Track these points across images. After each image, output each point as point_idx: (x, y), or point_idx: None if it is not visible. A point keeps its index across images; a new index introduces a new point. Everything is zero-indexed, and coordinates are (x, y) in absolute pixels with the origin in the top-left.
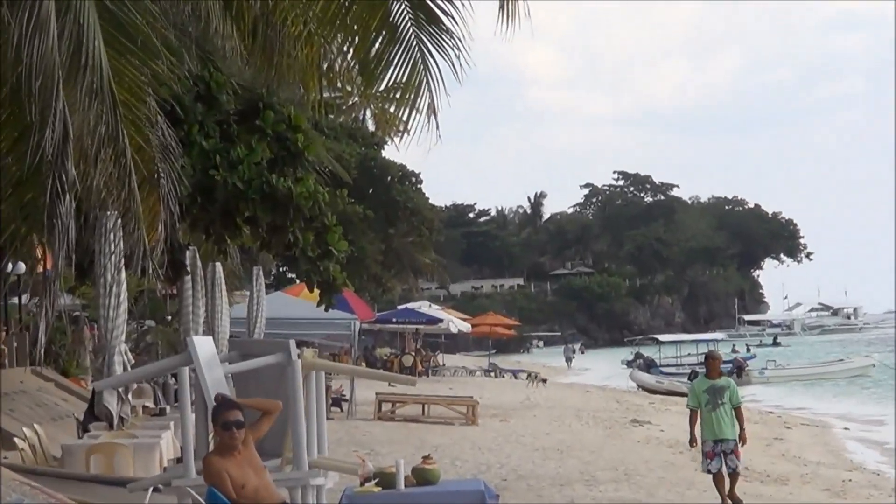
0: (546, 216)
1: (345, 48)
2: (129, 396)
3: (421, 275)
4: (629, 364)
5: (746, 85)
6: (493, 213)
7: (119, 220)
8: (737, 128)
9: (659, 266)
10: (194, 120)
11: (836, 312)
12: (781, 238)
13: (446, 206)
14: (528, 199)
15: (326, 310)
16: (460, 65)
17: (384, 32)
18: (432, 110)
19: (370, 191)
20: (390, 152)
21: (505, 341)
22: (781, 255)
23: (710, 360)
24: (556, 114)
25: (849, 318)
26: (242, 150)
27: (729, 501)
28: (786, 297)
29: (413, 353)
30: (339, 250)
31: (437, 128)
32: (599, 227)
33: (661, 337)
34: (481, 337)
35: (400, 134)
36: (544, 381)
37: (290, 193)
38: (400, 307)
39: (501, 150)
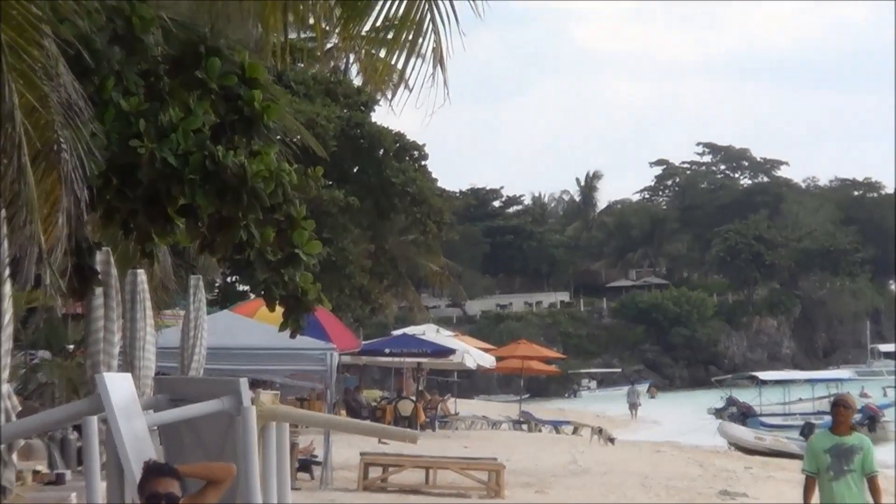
0: (602, 205)
1: None
2: (14, 457)
3: (426, 287)
4: (718, 413)
5: (885, 22)
6: (528, 200)
7: (2, 211)
8: (871, 82)
9: (760, 276)
10: (109, 70)
11: None
12: None
13: (462, 192)
14: (577, 181)
15: (293, 336)
16: None
17: None
18: (439, 57)
19: (355, 170)
20: (382, 116)
21: (543, 381)
22: None
23: (840, 408)
24: (617, 62)
25: None
26: (176, 112)
27: None
28: None
29: (414, 398)
30: (310, 253)
31: (446, 83)
32: (677, 220)
33: (763, 375)
34: (510, 375)
35: (396, 90)
36: (612, 440)
37: (243, 173)
38: (396, 333)
39: (539, 114)
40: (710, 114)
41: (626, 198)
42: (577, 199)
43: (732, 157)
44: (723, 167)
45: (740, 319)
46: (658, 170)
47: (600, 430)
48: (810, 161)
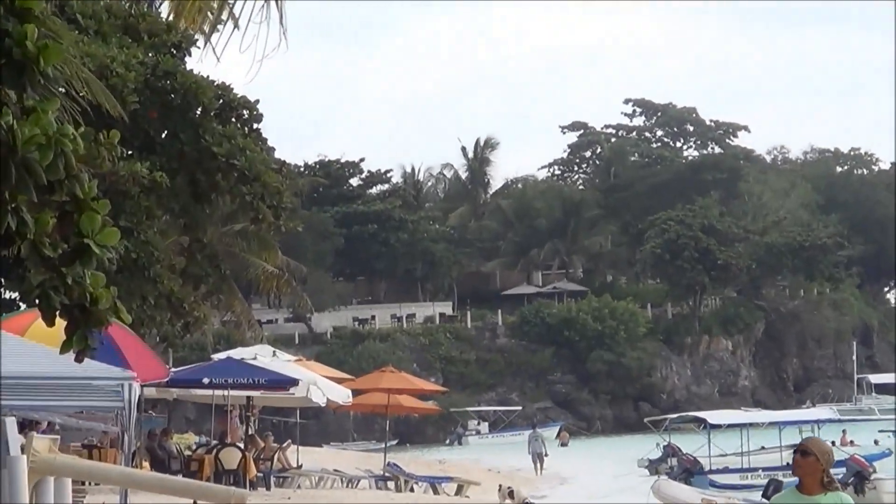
0: (497, 185)
1: None
2: None
3: (258, 295)
4: (652, 466)
5: None
6: (397, 178)
7: None
8: (862, 15)
9: (710, 281)
10: None
11: None
12: None
13: (308, 166)
14: (464, 151)
15: (79, 360)
16: None
17: None
18: None
19: (163, 135)
20: (201, 62)
21: (417, 423)
22: None
23: (796, 456)
24: None
25: None
26: None
27: None
28: None
29: (241, 445)
30: (104, 244)
31: (283, 18)
32: (598, 205)
33: (713, 416)
34: (372, 415)
35: (217, 27)
36: None
37: (12, 139)
38: (218, 357)
39: (412, 62)
40: (642, 60)
41: (529, 174)
42: (464, 175)
43: (673, 119)
44: (660, 133)
45: (683, 340)
46: (573, 136)
47: (510, 492)
48: (778, 125)
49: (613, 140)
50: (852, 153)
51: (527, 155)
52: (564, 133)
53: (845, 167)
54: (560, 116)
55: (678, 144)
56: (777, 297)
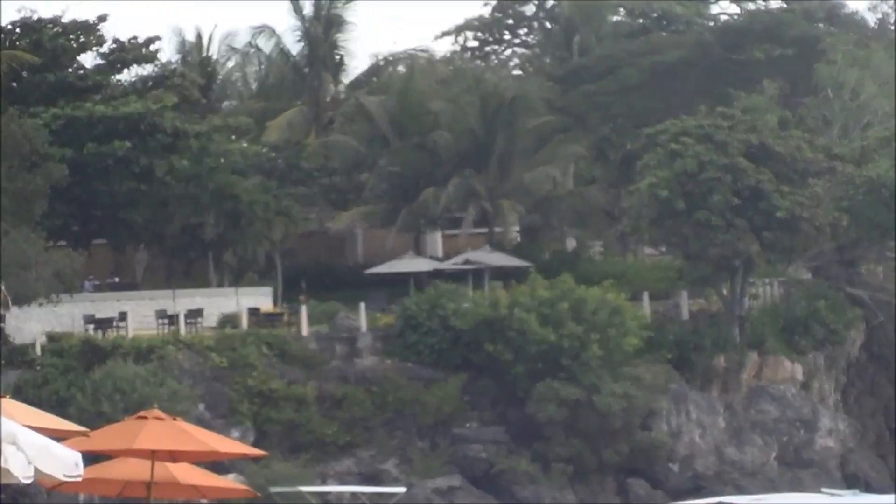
0: (358, 67)
1: None
2: None
3: None
4: None
5: None
6: (171, 54)
7: None
8: None
9: (763, 249)
10: None
11: None
12: None
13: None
14: (294, 3)
15: None
16: None
17: None
18: None
19: None
20: None
21: None
22: None
23: None
24: None
25: None
26: None
27: None
28: None
29: None
30: None
31: None
32: (549, 105)
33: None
34: (122, 500)
35: None
36: None
37: None
38: None
39: None
40: None
41: (419, 47)
42: (296, 50)
43: None
44: None
45: (710, 362)
46: None
47: None
48: None
49: None
50: None
51: (414, 12)
52: None
53: None
54: None
55: None
56: (887, 281)
